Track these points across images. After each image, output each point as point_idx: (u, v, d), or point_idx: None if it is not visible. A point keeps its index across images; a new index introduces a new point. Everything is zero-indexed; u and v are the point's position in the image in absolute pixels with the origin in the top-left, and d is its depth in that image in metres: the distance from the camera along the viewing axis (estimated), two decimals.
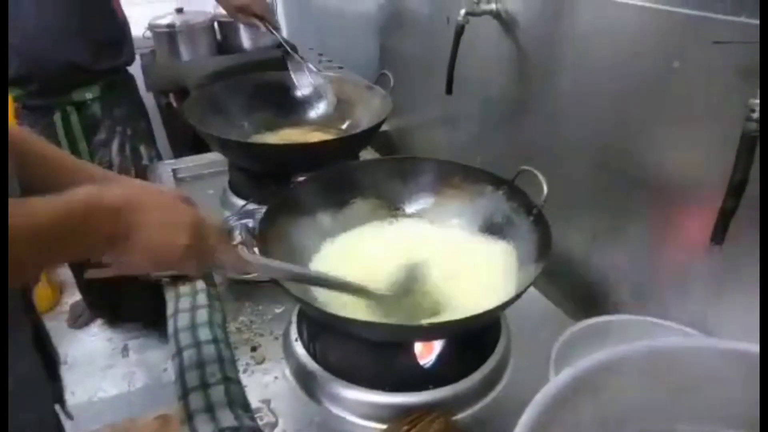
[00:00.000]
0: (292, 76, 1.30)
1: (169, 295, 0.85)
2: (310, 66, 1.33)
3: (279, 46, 1.45)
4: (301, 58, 1.37)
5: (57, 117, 1.47)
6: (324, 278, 0.67)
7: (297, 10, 2.37)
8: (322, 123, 1.28)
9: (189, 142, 1.78)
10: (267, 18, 1.35)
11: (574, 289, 0.86)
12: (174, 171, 1.27)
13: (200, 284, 0.87)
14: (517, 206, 0.77)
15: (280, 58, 1.86)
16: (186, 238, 0.52)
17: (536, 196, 0.74)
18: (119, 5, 1.52)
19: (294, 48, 1.52)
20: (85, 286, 1.91)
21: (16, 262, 0.42)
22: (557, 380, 0.44)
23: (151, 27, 1.78)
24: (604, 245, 0.81)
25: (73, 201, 0.46)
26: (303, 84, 1.31)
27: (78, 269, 1.79)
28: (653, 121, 0.70)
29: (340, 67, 1.81)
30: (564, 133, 0.85)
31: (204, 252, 0.55)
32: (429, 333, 0.66)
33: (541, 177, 0.72)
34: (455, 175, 0.84)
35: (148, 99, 1.80)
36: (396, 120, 1.33)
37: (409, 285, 0.69)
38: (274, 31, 1.36)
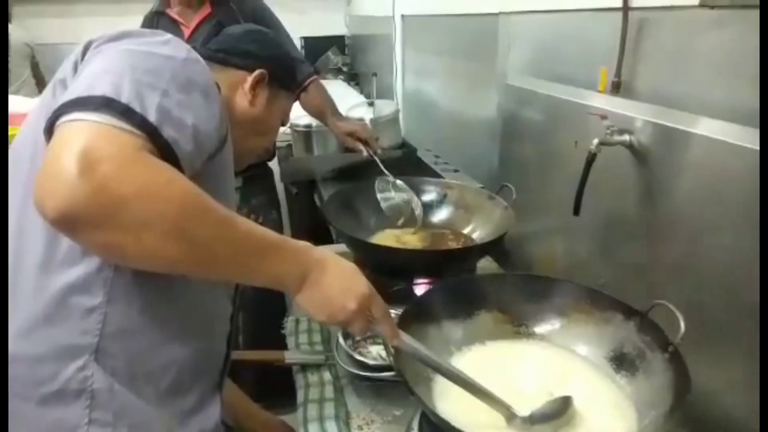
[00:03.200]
0: (378, 195, 1.38)
1: (299, 384, 0.91)
2: (398, 183, 1.41)
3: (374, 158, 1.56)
4: (393, 176, 1.44)
5: None
6: (465, 379, 0.71)
7: (415, 111, 2.56)
8: (444, 226, 1.35)
9: (309, 229, 1.93)
10: (370, 143, 1.58)
11: None
12: None
13: (327, 376, 0.93)
14: (650, 341, 0.76)
15: (399, 157, 2.02)
16: (355, 305, 0.64)
17: (669, 330, 0.73)
18: None
19: (413, 150, 1.63)
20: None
21: (226, 255, 0.55)
22: None
23: (292, 126, 2.00)
24: (746, 391, 0.77)
25: (290, 239, 0.62)
26: (387, 199, 1.39)
27: None
28: None
29: (456, 170, 1.91)
30: (695, 268, 0.84)
31: (365, 319, 0.67)
32: None
33: (678, 314, 0.72)
34: (584, 299, 0.85)
35: (279, 188, 2.00)
36: (515, 228, 1.37)
37: (549, 416, 0.70)
38: (374, 156, 1.55)
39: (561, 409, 0.71)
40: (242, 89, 0.86)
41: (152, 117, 0.52)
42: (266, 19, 1.63)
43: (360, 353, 0.93)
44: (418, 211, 1.34)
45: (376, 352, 0.96)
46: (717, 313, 0.80)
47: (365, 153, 1.57)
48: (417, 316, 0.83)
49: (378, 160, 1.50)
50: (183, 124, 0.56)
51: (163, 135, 0.53)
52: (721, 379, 0.80)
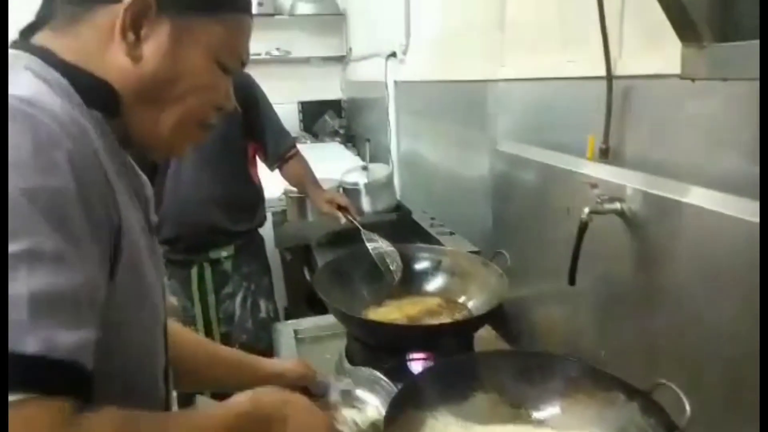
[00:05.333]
0: (367, 245, 1.42)
1: None
2: (379, 238, 1.46)
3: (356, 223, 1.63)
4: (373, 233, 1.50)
5: (194, 272, 1.65)
6: None
7: (411, 173, 2.57)
8: (439, 294, 1.32)
9: (305, 296, 1.90)
10: (349, 209, 1.65)
11: None
12: (295, 332, 1.33)
13: None
14: (655, 423, 0.72)
15: (395, 221, 2.02)
16: None
17: (677, 410, 0.69)
18: (256, 173, 1.76)
19: (408, 212, 1.63)
20: None
21: None
22: None
23: (286, 192, 2.01)
24: None
25: (230, 416, 0.53)
26: (375, 248, 1.41)
27: None
28: None
29: (452, 233, 1.89)
30: (696, 339, 0.80)
31: None
32: None
33: (682, 396, 0.68)
34: (585, 378, 0.81)
35: (274, 254, 1.98)
36: (512, 294, 1.34)
37: None
38: (353, 221, 1.61)
39: None
40: (115, 39, 0.52)
41: (32, 346, 0.41)
42: (254, 92, 1.67)
43: (335, 420, 0.88)
44: (394, 267, 1.34)
45: (350, 419, 0.91)
46: (720, 391, 0.76)
47: (343, 220, 1.62)
48: (410, 401, 0.79)
49: (358, 224, 1.54)
50: (72, 302, 0.44)
51: (56, 357, 0.42)
52: None
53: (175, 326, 0.75)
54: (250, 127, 1.64)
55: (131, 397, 0.56)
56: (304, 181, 1.75)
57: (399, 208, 2.17)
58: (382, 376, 0.91)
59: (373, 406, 0.90)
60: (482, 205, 1.59)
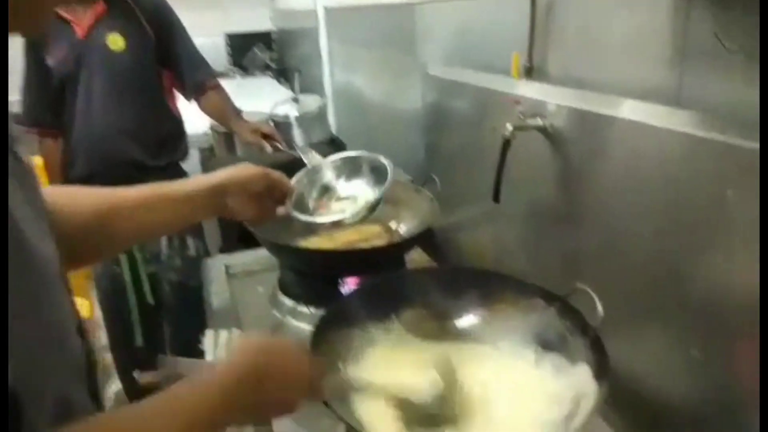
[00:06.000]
0: (302, 157, 1.38)
1: None
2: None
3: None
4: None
5: None
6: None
7: (346, 105, 2.51)
8: (372, 221, 1.31)
9: (237, 234, 1.85)
10: (275, 136, 1.63)
11: (637, 415, 0.81)
12: (226, 267, 1.31)
13: None
14: (571, 325, 0.75)
15: (330, 154, 1.97)
16: (303, 391, 0.56)
17: (592, 313, 0.73)
18: (175, 104, 1.66)
19: (342, 145, 1.61)
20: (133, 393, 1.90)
21: None
22: None
23: (212, 126, 1.91)
24: (667, 369, 0.78)
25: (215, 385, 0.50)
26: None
27: (127, 379, 1.80)
28: (706, 246, 0.68)
29: None
30: (615, 249, 0.84)
31: (313, 390, 0.58)
32: None
33: (595, 298, 0.71)
34: (507, 288, 0.83)
35: None
36: (442, 218, 1.36)
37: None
38: (280, 146, 1.60)
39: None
40: None
41: None
42: (168, 16, 1.54)
43: None
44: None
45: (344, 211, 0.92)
46: (639, 297, 0.80)
47: (269, 148, 1.59)
48: (338, 320, 0.79)
49: (285, 148, 1.55)
50: None
51: None
52: (645, 361, 0.80)
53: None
54: (165, 54, 1.53)
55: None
56: (224, 112, 1.68)
57: (333, 141, 2.12)
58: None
59: (360, 189, 0.92)
60: (415, 135, 1.58)
